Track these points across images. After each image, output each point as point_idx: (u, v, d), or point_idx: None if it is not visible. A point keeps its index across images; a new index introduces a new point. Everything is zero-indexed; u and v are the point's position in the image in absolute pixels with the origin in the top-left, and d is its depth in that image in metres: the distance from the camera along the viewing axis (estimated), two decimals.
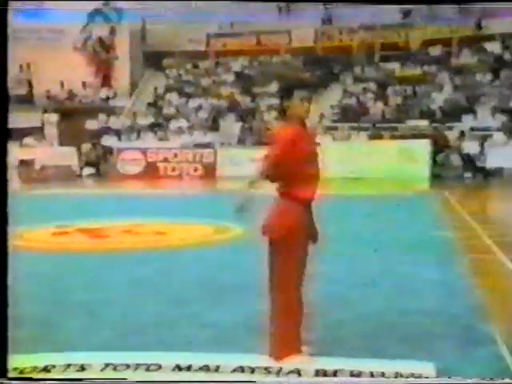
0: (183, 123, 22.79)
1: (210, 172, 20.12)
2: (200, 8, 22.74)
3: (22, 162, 19.50)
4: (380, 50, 23.98)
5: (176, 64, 25.95)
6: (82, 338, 4.35)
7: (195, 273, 6.52)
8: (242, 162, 19.23)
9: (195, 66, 25.96)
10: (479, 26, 22.97)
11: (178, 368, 3.71)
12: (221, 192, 16.89)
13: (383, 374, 3.59)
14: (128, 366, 3.72)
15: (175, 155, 20.65)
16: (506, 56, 22.59)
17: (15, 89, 21.66)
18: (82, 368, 3.73)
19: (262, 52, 25.12)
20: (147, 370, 3.69)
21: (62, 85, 24.63)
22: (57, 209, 12.09)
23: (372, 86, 23.10)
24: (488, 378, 3.49)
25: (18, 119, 17.76)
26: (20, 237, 8.15)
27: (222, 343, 4.19)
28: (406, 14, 23.55)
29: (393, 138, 20.16)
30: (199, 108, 23.69)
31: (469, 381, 3.46)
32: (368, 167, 18.16)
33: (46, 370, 3.72)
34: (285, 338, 3.75)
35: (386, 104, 22.18)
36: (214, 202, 13.85)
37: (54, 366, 3.75)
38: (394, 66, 23.63)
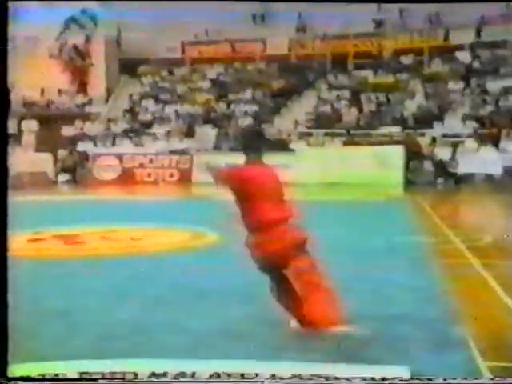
0: (159, 129, 22.74)
1: (185, 178, 19.98)
2: (175, 16, 22.78)
3: None
4: (353, 58, 24.17)
5: (151, 71, 25.96)
6: (58, 346, 4.32)
7: (171, 278, 6.50)
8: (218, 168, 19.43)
9: (171, 73, 26.00)
10: (447, 37, 23.39)
11: (154, 375, 3.72)
12: (196, 198, 16.94)
13: (359, 378, 3.69)
14: (103, 375, 3.72)
15: (151, 161, 20.51)
16: (476, 65, 22.98)
17: None
18: (57, 378, 3.72)
19: (237, 59, 25.27)
20: (123, 378, 3.72)
21: (41, 92, 24.53)
22: (32, 215, 11.79)
23: (346, 93, 23.26)
24: (460, 378, 3.64)
25: None
26: None
27: (198, 349, 4.22)
28: (379, 23, 23.80)
29: (367, 144, 20.19)
30: (175, 114, 23.69)
31: (442, 382, 3.58)
32: (342, 173, 18.15)
33: (21, 380, 3.71)
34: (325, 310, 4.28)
35: (359, 111, 22.35)
36: (189, 208, 13.86)
37: (28, 377, 3.73)
38: (367, 74, 23.82)
